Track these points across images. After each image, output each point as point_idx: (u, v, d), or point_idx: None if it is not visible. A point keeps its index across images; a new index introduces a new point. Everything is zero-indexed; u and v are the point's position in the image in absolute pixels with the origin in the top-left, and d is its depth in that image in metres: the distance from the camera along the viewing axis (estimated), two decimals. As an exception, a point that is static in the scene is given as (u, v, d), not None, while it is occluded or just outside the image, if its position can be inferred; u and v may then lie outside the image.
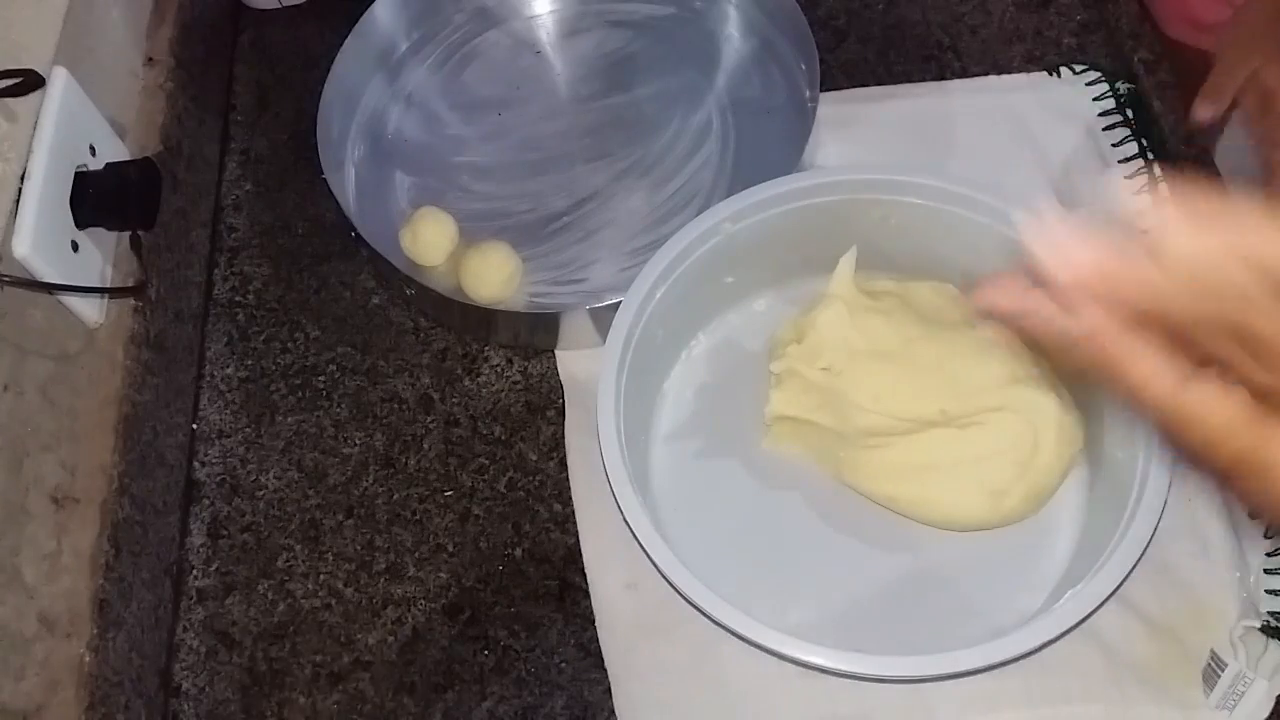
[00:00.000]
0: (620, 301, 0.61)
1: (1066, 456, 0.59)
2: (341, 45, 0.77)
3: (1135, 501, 0.54)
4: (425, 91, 0.82)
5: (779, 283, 0.69)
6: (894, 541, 0.61)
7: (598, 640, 0.60)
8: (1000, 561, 0.60)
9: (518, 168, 0.78)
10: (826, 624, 0.58)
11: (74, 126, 0.60)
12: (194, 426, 0.70)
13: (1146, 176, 0.73)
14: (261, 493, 0.67)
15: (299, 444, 0.69)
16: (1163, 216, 0.31)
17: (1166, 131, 0.74)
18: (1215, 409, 0.32)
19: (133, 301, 0.65)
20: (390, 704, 0.60)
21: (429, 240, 0.71)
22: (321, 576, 0.64)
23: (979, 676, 0.52)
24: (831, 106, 0.74)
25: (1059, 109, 0.76)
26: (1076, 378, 0.33)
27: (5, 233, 0.53)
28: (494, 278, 0.69)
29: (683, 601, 0.53)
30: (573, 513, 0.64)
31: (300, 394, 0.71)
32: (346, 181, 0.77)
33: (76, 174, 0.59)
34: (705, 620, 0.53)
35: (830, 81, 0.78)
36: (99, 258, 0.62)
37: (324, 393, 0.71)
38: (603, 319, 0.64)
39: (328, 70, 0.75)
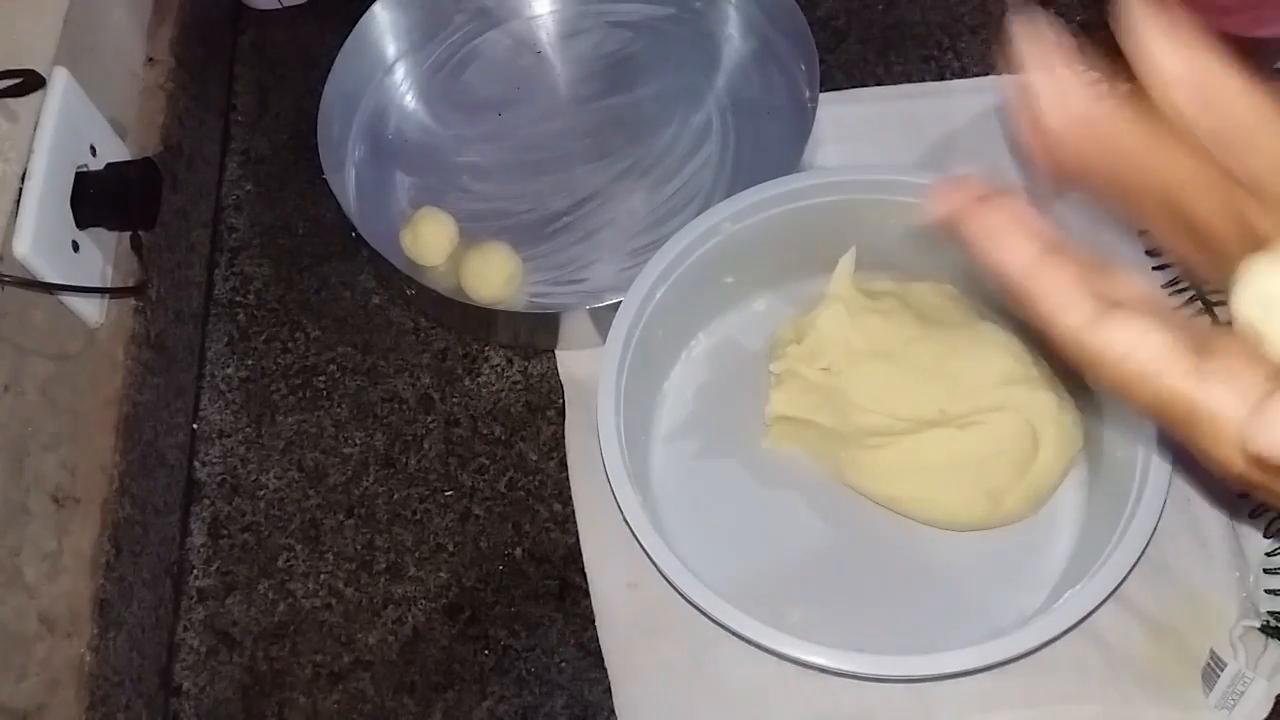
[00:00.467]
0: (620, 301, 0.61)
1: (1066, 456, 0.59)
2: (341, 45, 0.77)
3: (1135, 501, 0.54)
4: (425, 92, 0.82)
5: (779, 283, 0.69)
6: (894, 541, 0.61)
7: (598, 640, 0.61)
8: (1000, 561, 0.60)
9: (518, 168, 0.78)
10: (826, 624, 0.58)
11: (74, 126, 0.60)
12: (194, 426, 0.70)
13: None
14: (262, 492, 0.67)
15: (299, 444, 0.69)
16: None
17: (1166, 131, 0.74)
18: (1133, 349, 0.28)
19: (133, 301, 0.65)
20: (390, 704, 0.60)
21: (429, 240, 0.71)
22: (322, 576, 0.64)
23: (978, 676, 0.52)
24: (831, 106, 0.74)
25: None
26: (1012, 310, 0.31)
27: (6, 233, 0.53)
28: (494, 278, 0.69)
29: (683, 601, 0.53)
30: (573, 512, 0.64)
31: (301, 394, 0.71)
32: (347, 182, 0.77)
33: (77, 174, 0.59)
34: (705, 620, 0.53)
35: (830, 81, 0.78)
36: (99, 258, 0.62)
37: (324, 393, 0.71)
38: (603, 319, 0.64)
39: (328, 70, 0.75)
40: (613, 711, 0.59)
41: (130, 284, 0.64)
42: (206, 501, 0.67)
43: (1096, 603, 0.51)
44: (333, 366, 0.72)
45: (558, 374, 0.69)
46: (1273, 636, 0.56)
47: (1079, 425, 0.60)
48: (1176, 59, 0.31)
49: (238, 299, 0.75)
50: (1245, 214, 0.30)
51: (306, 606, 0.64)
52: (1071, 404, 0.60)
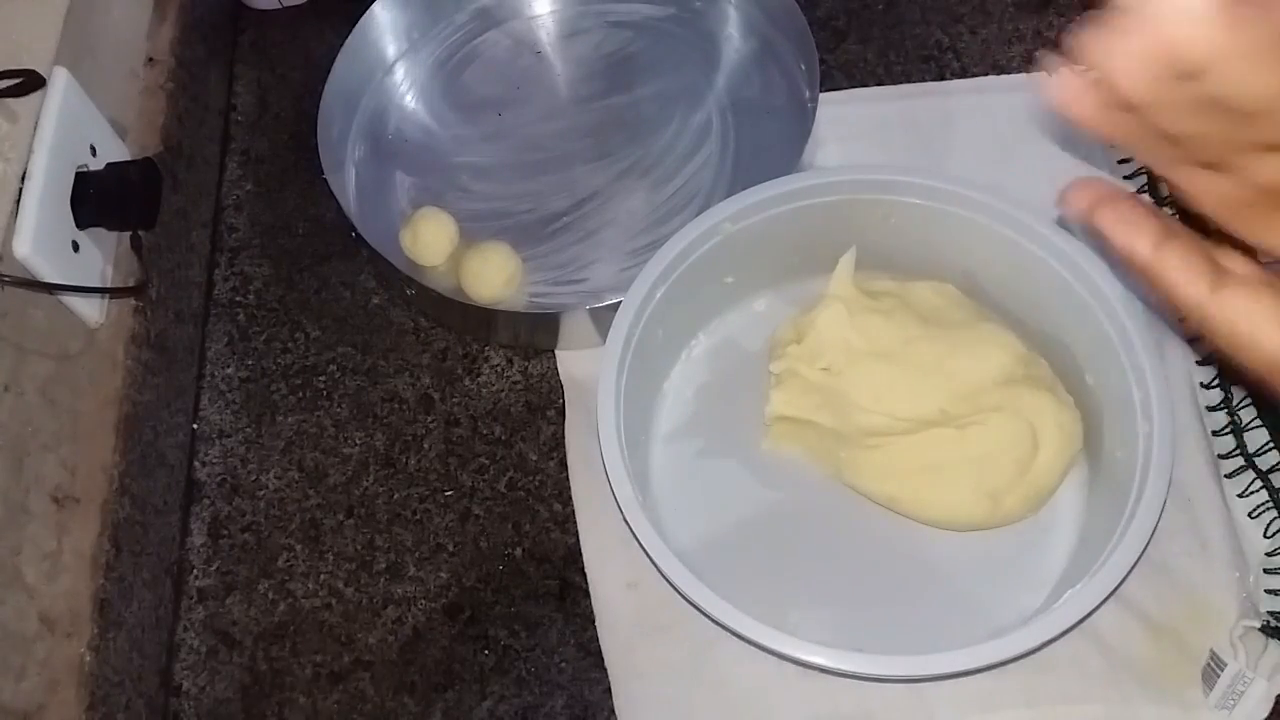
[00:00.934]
0: (620, 301, 0.61)
1: (1066, 456, 0.59)
2: (341, 45, 0.77)
3: (1135, 501, 0.54)
4: (425, 91, 0.82)
5: (779, 283, 0.69)
6: (894, 541, 0.61)
7: (598, 640, 0.61)
8: (1000, 561, 0.60)
9: (518, 168, 0.78)
10: (826, 624, 0.59)
11: (74, 126, 0.60)
12: (194, 426, 0.70)
13: (1146, 175, 0.73)
14: (262, 492, 0.67)
15: (299, 444, 0.69)
16: None
17: (1166, 131, 0.74)
18: (1245, 313, 0.33)
19: (133, 301, 0.65)
20: (390, 704, 0.60)
21: (429, 240, 0.71)
22: (322, 576, 0.64)
23: (979, 676, 0.52)
24: (831, 106, 0.74)
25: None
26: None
27: (6, 233, 0.53)
28: (494, 278, 0.69)
29: (683, 601, 0.53)
30: (573, 512, 0.64)
31: (301, 394, 0.71)
32: (347, 182, 0.77)
33: (77, 174, 0.59)
34: (705, 620, 0.53)
35: (830, 81, 0.78)
36: (99, 258, 0.62)
37: (324, 393, 0.71)
38: (603, 319, 0.64)
39: (328, 70, 0.75)
40: (613, 711, 0.59)
41: (130, 284, 0.64)
42: (206, 501, 0.67)
43: (1096, 603, 0.51)
44: (333, 366, 0.72)
45: (558, 374, 0.69)
46: (1273, 636, 0.56)
47: (1079, 425, 0.60)
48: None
49: (238, 299, 0.75)
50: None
51: (306, 606, 0.64)
52: (1071, 404, 0.60)
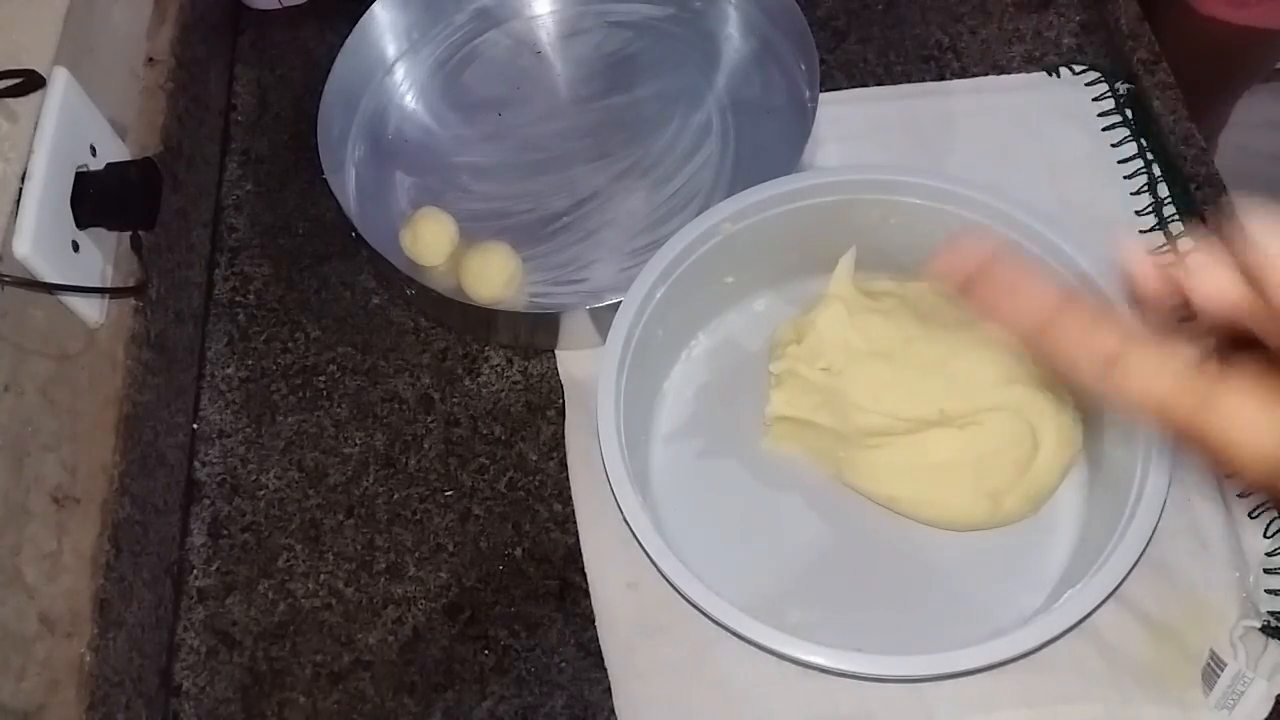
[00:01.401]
0: (620, 301, 0.61)
1: (1065, 457, 0.59)
2: (341, 45, 0.77)
3: (1135, 501, 0.54)
4: (425, 91, 0.82)
5: (779, 283, 0.69)
6: (894, 541, 0.61)
7: (598, 640, 0.61)
8: (1000, 561, 0.60)
9: (518, 168, 0.78)
10: (826, 624, 0.58)
11: (74, 126, 0.60)
12: (194, 426, 0.70)
13: (1146, 177, 0.73)
14: (262, 492, 0.67)
15: (299, 444, 0.69)
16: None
17: (1165, 131, 0.74)
18: (1149, 386, 0.31)
19: (133, 301, 0.65)
20: (390, 704, 0.60)
21: (429, 240, 0.71)
22: (322, 576, 0.64)
23: (979, 676, 0.52)
24: (831, 106, 0.74)
25: (1058, 109, 0.76)
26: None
27: (6, 233, 0.53)
28: (494, 278, 0.69)
29: (683, 601, 0.53)
30: (573, 512, 0.64)
31: (301, 394, 0.71)
32: (347, 182, 0.77)
33: (77, 174, 0.59)
34: (705, 620, 0.53)
35: (830, 81, 0.78)
36: (99, 258, 0.62)
37: (324, 393, 0.71)
38: (603, 319, 0.64)
39: (328, 70, 0.75)
40: (613, 711, 0.59)
41: (130, 284, 0.64)
42: (206, 501, 0.67)
43: (1096, 603, 0.51)
44: (333, 366, 0.72)
45: (558, 374, 0.69)
46: (1273, 636, 0.56)
47: (1079, 425, 0.60)
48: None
49: (238, 299, 0.75)
50: None
51: (306, 606, 0.64)
52: (1071, 404, 0.60)
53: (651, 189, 0.76)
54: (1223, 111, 1.10)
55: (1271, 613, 0.57)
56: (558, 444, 0.67)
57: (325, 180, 0.72)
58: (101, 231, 0.62)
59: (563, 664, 0.61)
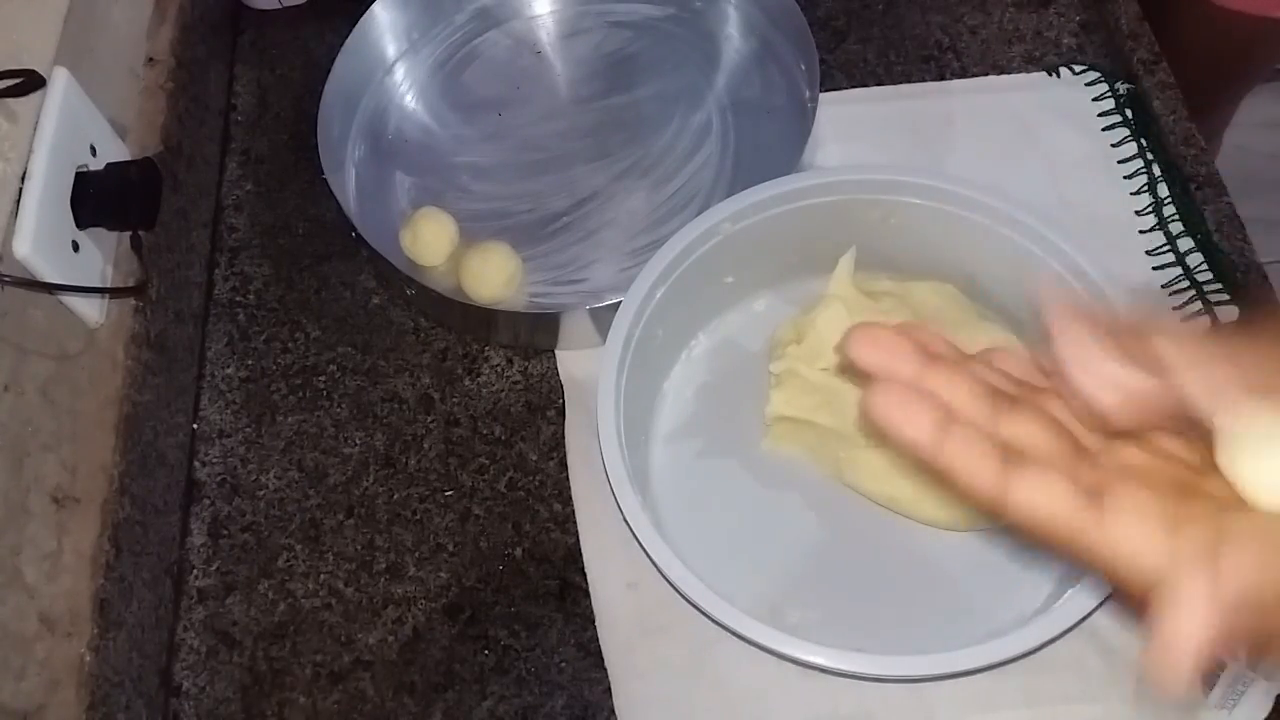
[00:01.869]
0: (620, 301, 0.61)
1: (1066, 456, 0.59)
2: (341, 45, 0.77)
3: (1135, 501, 0.54)
4: (425, 91, 0.82)
5: (779, 283, 0.69)
6: (894, 541, 0.61)
7: (598, 640, 0.61)
8: (1000, 561, 0.60)
9: (518, 168, 0.78)
10: (826, 624, 0.58)
11: (74, 126, 0.60)
12: (194, 426, 0.70)
13: (1146, 177, 0.73)
14: (262, 492, 0.67)
15: (299, 444, 0.69)
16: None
17: (1166, 131, 0.74)
18: (1036, 505, 0.31)
19: (133, 301, 0.65)
20: (390, 704, 0.60)
21: (429, 240, 0.71)
22: (322, 576, 0.64)
23: (979, 676, 0.52)
24: (831, 106, 0.74)
25: (1058, 109, 0.76)
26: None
27: (6, 233, 0.53)
28: (494, 278, 0.69)
29: (683, 601, 0.53)
30: (573, 512, 0.64)
31: (300, 394, 0.71)
32: (347, 181, 0.77)
33: (77, 174, 0.59)
34: (705, 620, 0.53)
35: (830, 81, 0.78)
36: (99, 258, 0.62)
37: (324, 393, 0.71)
38: (603, 319, 0.64)
39: (328, 70, 0.75)
40: (613, 711, 0.59)
41: (130, 284, 0.64)
42: (206, 501, 0.67)
43: (1097, 602, 0.51)
44: (333, 366, 0.72)
45: (558, 374, 0.69)
46: (1273, 636, 0.56)
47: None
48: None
49: (238, 299, 0.75)
50: None
51: (306, 606, 0.64)
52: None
53: (651, 189, 0.76)
54: (1227, 111, 1.10)
55: (1271, 613, 0.57)
56: (558, 444, 0.67)
57: (325, 180, 0.72)
58: (101, 231, 0.62)
59: (563, 664, 0.61)
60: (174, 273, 0.70)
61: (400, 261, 0.70)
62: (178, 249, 0.71)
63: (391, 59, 0.83)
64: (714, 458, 0.65)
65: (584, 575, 0.62)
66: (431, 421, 0.69)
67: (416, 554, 0.64)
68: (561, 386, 0.69)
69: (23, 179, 0.55)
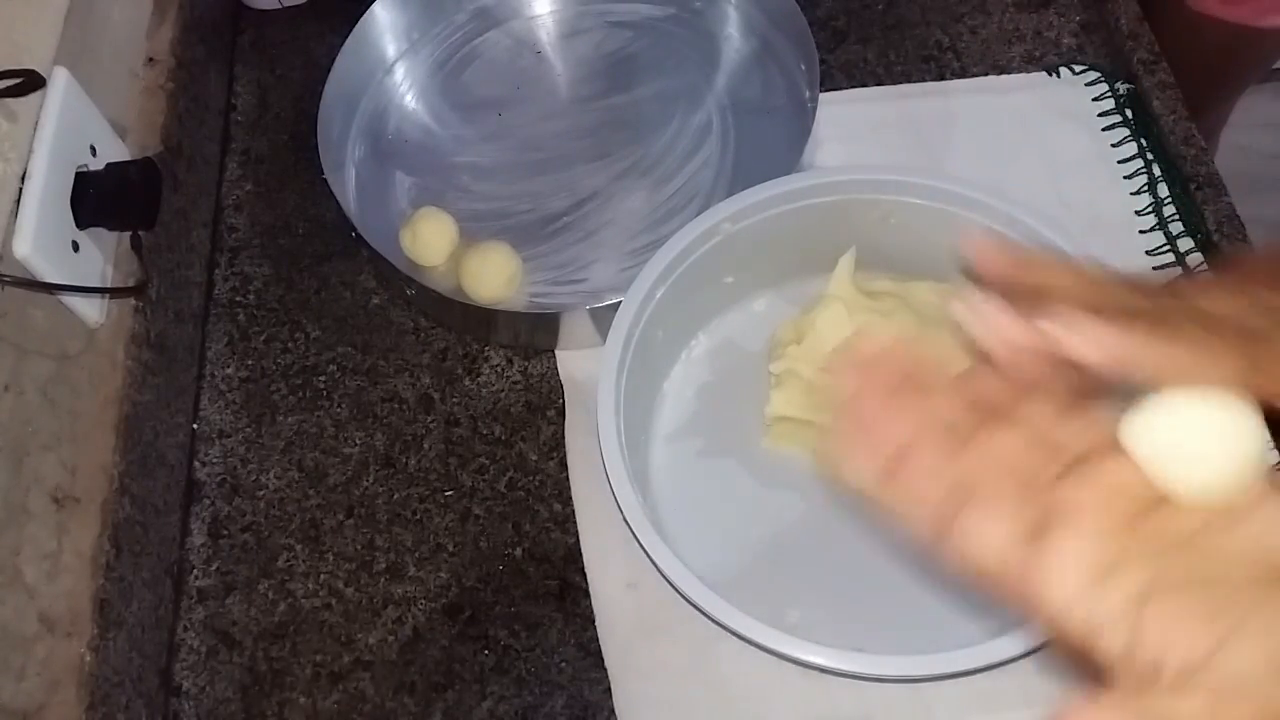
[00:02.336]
0: (620, 301, 0.61)
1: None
2: (341, 45, 0.77)
3: (1135, 501, 0.54)
4: (425, 91, 0.82)
5: (779, 283, 0.69)
6: (894, 542, 0.61)
7: (598, 640, 0.61)
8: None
9: (518, 168, 0.78)
10: (826, 624, 0.58)
11: (74, 126, 0.60)
12: (194, 426, 0.70)
13: (1146, 177, 0.73)
14: (262, 492, 0.67)
15: (299, 444, 0.69)
16: None
17: (1165, 131, 0.74)
18: (975, 550, 0.32)
19: (133, 301, 0.65)
20: (390, 704, 0.60)
21: (429, 240, 0.71)
22: (322, 576, 0.64)
23: (978, 676, 0.52)
24: (831, 106, 0.74)
25: (1058, 109, 0.76)
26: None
27: (6, 233, 0.53)
28: (494, 278, 0.69)
29: (683, 601, 0.53)
30: (573, 512, 0.64)
31: (300, 394, 0.71)
32: (347, 182, 0.77)
33: (77, 174, 0.59)
34: (705, 620, 0.53)
35: (830, 81, 0.78)
36: (99, 258, 0.62)
37: (324, 393, 0.71)
38: (603, 319, 0.64)
39: (328, 70, 0.75)
40: (613, 711, 0.59)
41: (130, 284, 0.64)
42: (206, 501, 0.67)
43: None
44: (333, 366, 0.72)
45: (558, 374, 0.69)
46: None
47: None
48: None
49: (238, 299, 0.75)
50: None
51: (306, 606, 0.64)
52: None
53: (651, 189, 0.76)
54: (1222, 110, 1.10)
55: (1271, 613, 0.57)
56: (558, 444, 0.67)
57: (325, 180, 0.72)
58: (101, 231, 0.62)
59: (563, 664, 0.61)
60: (174, 273, 0.70)
61: (400, 261, 0.70)
62: (178, 249, 0.71)
63: (391, 59, 0.83)
64: (714, 458, 0.65)
65: (584, 575, 0.62)
66: (431, 421, 0.69)
67: (416, 554, 0.64)
68: (561, 386, 0.69)
69: (23, 179, 0.55)
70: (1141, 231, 0.71)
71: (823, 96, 0.72)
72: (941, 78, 0.79)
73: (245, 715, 0.61)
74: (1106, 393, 0.33)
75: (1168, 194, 0.72)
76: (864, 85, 0.79)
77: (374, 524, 0.66)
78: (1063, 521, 0.30)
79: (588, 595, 0.62)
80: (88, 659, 0.55)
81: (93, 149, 0.61)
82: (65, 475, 0.56)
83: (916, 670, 0.51)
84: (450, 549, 0.65)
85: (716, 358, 0.68)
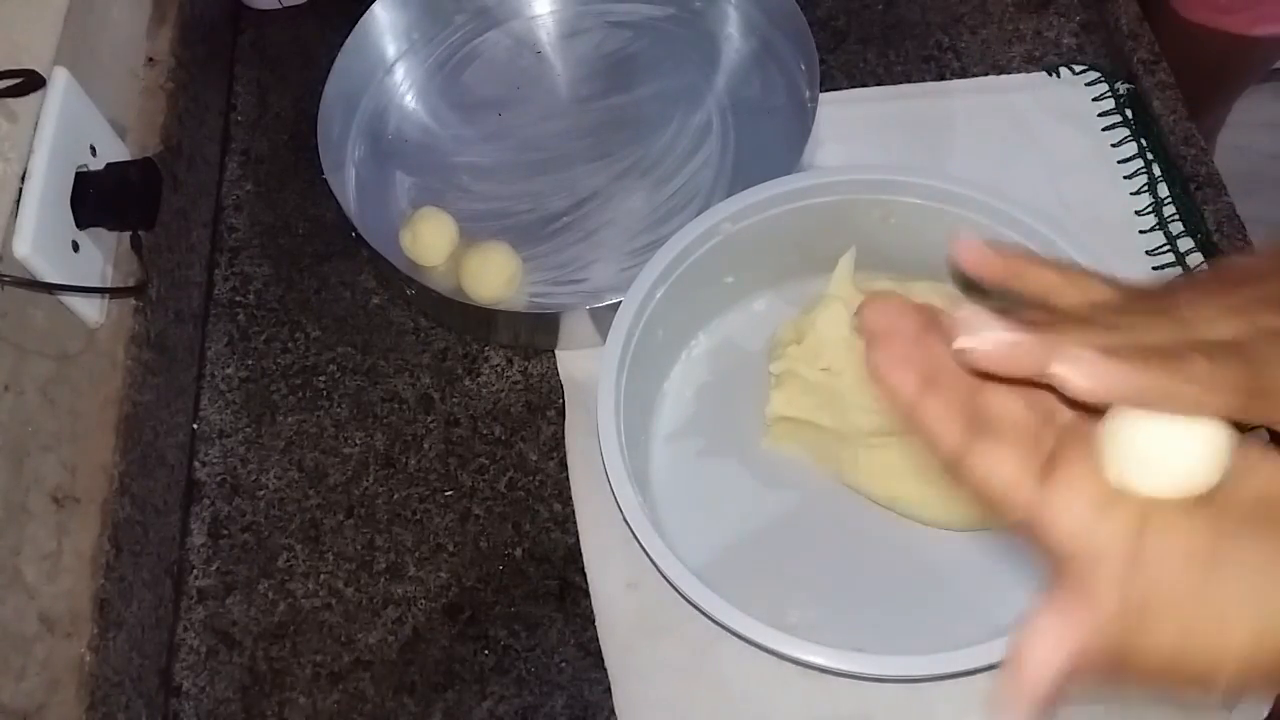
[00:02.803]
0: (620, 301, 0.61)
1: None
2: (341, 45, 0.77)
3: (1135, 501, 0.54)
4: (425, 91, 0.82)
5: (779, 283, 0.69)
6: (894, 541, 0.61)
7: (598, 640, 0.61)
8: (1000, 561, 0.60)
9: (518, 168, 0.78)
10: (826, 624, 0.58)
11: (74, 126, 0.60)
12: (194, 426, 0.70)
13: (1146, 177, 0.73)
14: (262, 492, 0.67)
15: (299, 444, 0.69)
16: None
17: (1165, 131, 0.74)
18: (990, 473, 0.33)
19: (133, 301, 0.65)
20: (390, 704, 0.60)
21: (429, 240, 0.71)
22: (322, 576, 0.64)
23: (978, 676, 0.52)
24: (831, 106, 0.74)
25: (1058, 109, 0.76)
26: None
27: (6, 233, 0.53)
28: (494, 278, 0.69)
29: (683, 601, 0.53)
30: (573, 512, 0.64)
31: (300, 394, 0.71)
32: (347, 181, 0.77)
33: (77, 174, 0.59)
34: (705, 620, 0.53)
35: (830, 81, 0.78)
36: (99, 258, 0.62)
37: (324, 393, 0.71)
38: (603, 319, 0.64)
39: (328, 70, 0.75)
40: (613, 711, 0.59)
41: (130, 284, 0.64)
42: (206, 501, 0.67)
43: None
44: (333, 366, 0.72)
45: (558, 374, 0.69)
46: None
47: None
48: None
49: (238, 299, 0.75)
50: None
51: (306, 606, 0.64)
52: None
53: (651, 189, 0.76)
54: (1219, 113, 1.10)
55: (1271, 613, 0.57)
56: (558, 444, 0.67)
57: (325, 180, 0.72)
58: (101, 231, 0.62)
59: (563, 664, 0.61)
60: (174, 273, 0.70)
61: (400, 261, 0.70)
62: (178, 249, 0.71)
63: (391, 59, 0.83)
64: (714, 457, 0.65)
65: (584, 575, 0.62)
66: (431, 421, 0.69)
67: (416, 554, 0.64)
68: (561, 386, 0.69)
69: (23, 179, 0.55)
70: (1141, 231, 0.71)
71: (823, 96, 0.72)
72: (941, 78, 0.79)
73: (245, 715, 0.61)
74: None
75: (1168, 194, 0.72)
76: (864, 85, 0.79)
77: (374, 524, 0.66)
78: (1071, 453, 0.32)
79: (588, 595, 0.62)
80: (88, 659, 0.55)
81: (93, 149, 0.61)
82: (65, 475, 0.56)
83: (916, 670, 0.51)
84: (450, 549, 0.65)
85: (716, 358, 0.68)
